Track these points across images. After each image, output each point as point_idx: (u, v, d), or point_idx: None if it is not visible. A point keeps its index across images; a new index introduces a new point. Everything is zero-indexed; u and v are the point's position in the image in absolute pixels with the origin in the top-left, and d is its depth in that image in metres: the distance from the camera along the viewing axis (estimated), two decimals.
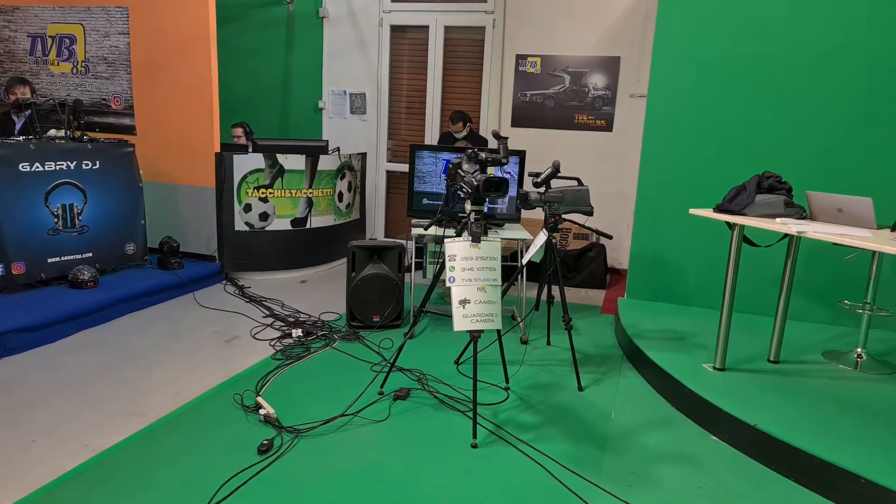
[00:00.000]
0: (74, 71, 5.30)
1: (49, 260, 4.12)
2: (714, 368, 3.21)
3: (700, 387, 2.98)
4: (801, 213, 3.14)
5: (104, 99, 5.25)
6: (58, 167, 4.15)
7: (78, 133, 4.38)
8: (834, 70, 3.86)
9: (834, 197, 3.04)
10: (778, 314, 3.29)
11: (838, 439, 2.52)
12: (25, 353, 3.42)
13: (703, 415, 2.91)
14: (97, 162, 4.38)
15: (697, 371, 3.19)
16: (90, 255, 4.35)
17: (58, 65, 5.34)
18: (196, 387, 3.10)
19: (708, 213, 3.25)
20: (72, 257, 4.24)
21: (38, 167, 4.04)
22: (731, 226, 3.14)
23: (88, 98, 5.26)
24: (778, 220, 3.02)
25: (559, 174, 3.50)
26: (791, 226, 2.89)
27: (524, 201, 3.42)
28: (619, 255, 5.89)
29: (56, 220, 4.16)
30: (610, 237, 4.01)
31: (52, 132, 4.38)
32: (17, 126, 4.67)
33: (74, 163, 4.24)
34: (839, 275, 3.87)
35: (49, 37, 5.30)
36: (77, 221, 4.29)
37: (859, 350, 3.37)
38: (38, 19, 5.29)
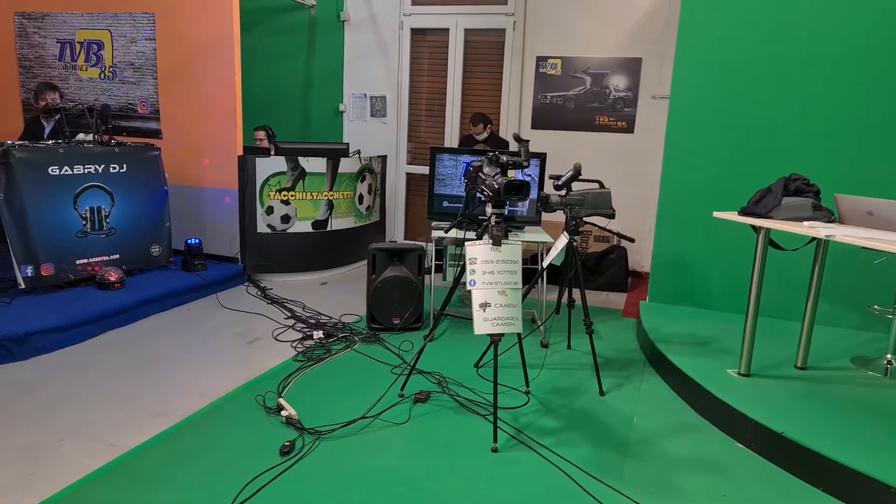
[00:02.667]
0: (102, 76, 5.40)
1: (77, 261, 4.21)
2: (739, 374, 3.16)
3: (725, 392, 2.94)
4: (830, 217, 3.08)
5: (131, 103, 5.35)
6: (86, 170, 4.24)
7: (105, 137, 4.47)
8: (859, 70, 3.78)
9: (864, 200, 2.97)
10: (805, 319, 3.23)
11: (867, 448, 2.47)
12: (53, 353, 3.49)
13: (728, 421, 2.86)
14: (124, 165, 4.46)
15: (722, 376, 3.14)
16: (117, 256, 4.43)
17: (86, 70, 5.45)
18: (219, 388, 3.14)
19: (733, 216, 3.20)
20: (99, 259, 4.33)
21: (66, 170, 4.13)
22: (756, 229, 3.09)
23: (116, 103, 5.36)
24: (806, 223, 2.96)
25: (580, 177, 3.48)
26: (819, 229, 2.83)
27: (545, 204, 3.41)
28: (640, 258, 5.84)
29: (84, 222, 4.25)
30: (632, 240, 3.97)
31: (81, 136, 4.47)
32: (47, 130, 4.78)
33: (102, 166, 4.33)
34: (868, 279, 3.78)
35: (77, 42, 5.41)
36: (105, 224, 4.37)
37: (889, 356, 3.29)
38: (66, 25, 5.41)
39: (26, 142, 4.19)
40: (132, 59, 5.26)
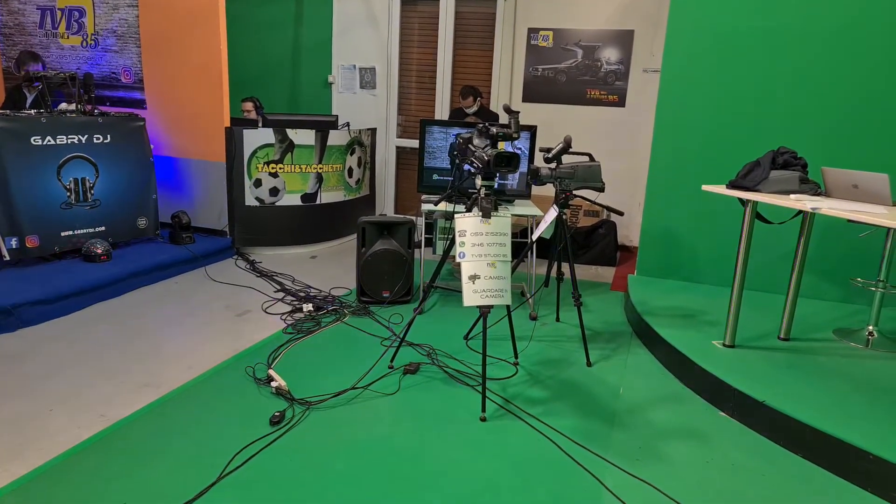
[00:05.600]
0: (84, 44, 5.28)
1: (62, 233, 4.16)
2: (724, 345, 3.20)
3: (709, 363, 2.98)
4: (816, 190, 3.10)
5: (114, 73, 5.24)
6: (69, 141, 4.17)
7: (88, 107, 4.38)
8: (851, 44, 3.77)
9: (849, 173, 2.99)
10: (789, 291, 3.27)
11: (848, 416, 2.52)
12: (40, 326, 3.47)
13: (712, 391, 2.91)
14: (108, 136, 4.39)
15: (707, 348, 3.18)
16: (102, 228, 4.38)
17: (67, 38, 5.32)
18: (209, 359, 3.14)
19: (721, 189, 3.21)
20: (85, 231, 4.28)
21: (49, 141, 4.06)
22: (744, 202, 3.10)
23: (98, 72, 5.25)
24: (792, 196, 2.98)
25: (570, 150, 3.47)
26: (806, 202, 2.85)
27: (535, 177, 3.40)
28: (629, 232, 5.86)
29: (69, 193, 4.19)
30: (621, 213, 3.99)
31: (63, 106, 4.39)
32: (29, 100, 4.68)
33: (86, 136, 4.25)
34: (852, 252, 3.83)
35: (58, 9, 5.27)
36: (89, 195, 4.31)
37: (871, 328, 3.35)
38: None
39: (7, 111, 4.10)
40: (114, 26, 5.13)
